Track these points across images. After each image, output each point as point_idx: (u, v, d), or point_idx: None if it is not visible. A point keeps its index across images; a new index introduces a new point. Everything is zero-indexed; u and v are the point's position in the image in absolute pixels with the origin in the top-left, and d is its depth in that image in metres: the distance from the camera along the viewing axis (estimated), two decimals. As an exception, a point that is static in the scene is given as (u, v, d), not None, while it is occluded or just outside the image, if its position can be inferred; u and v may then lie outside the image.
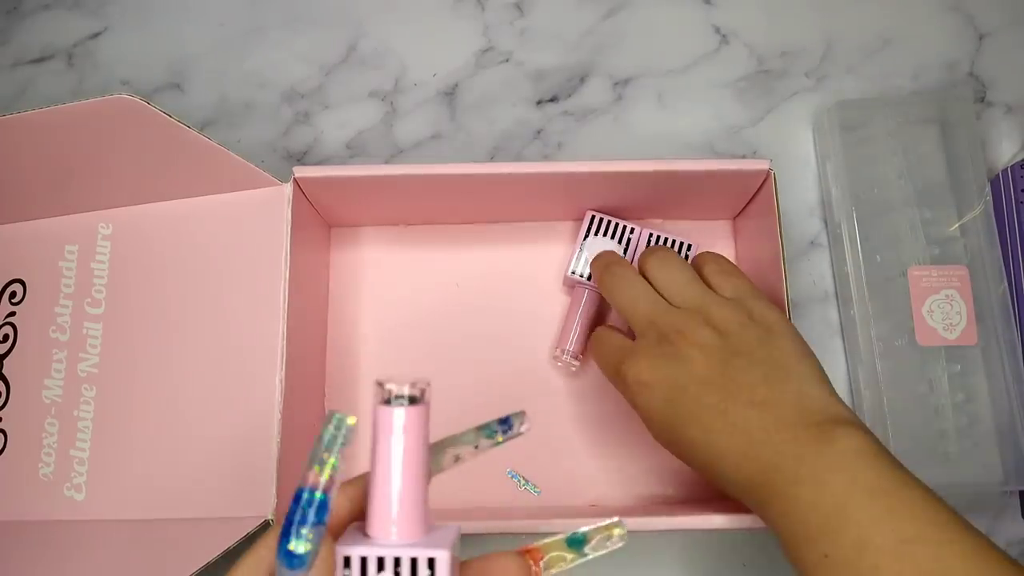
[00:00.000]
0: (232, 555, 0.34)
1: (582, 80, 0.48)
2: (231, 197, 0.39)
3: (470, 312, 0.43)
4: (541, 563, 0.23)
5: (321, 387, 0.42)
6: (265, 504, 0.35)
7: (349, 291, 0.43)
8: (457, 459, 0.24)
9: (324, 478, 0.20)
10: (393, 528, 0.21)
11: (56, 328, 0.40)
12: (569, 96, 0.48)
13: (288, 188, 0.38)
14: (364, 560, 0.21)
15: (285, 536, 0.20)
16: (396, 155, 0.47)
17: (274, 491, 0.35)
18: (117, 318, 0.40)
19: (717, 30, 0.49)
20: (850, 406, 0.42)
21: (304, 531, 0.20)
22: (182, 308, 0.39)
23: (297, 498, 0.20)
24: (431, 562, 0.21)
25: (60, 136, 0.38)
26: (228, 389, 0.37)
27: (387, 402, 0.21)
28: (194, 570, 0.33)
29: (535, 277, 0.43)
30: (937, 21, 0.48)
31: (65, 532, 0.37)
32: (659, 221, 0.44)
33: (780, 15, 0.49)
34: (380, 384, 0.21)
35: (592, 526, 0.24)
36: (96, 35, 0.50)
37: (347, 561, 0.21)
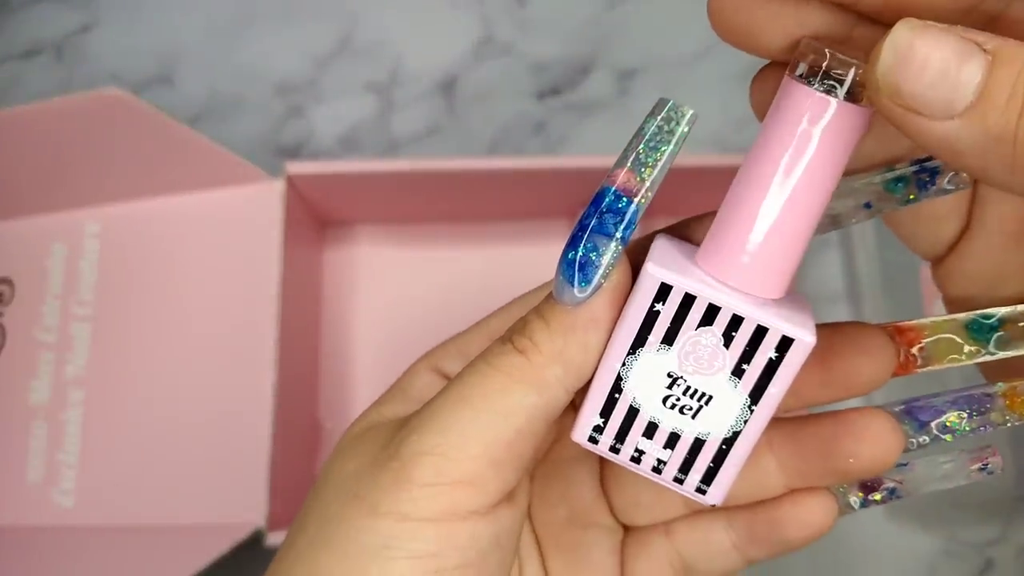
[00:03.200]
0: (222, 562, 0.33)
1: (585, 72, 0.47)
2: (222, 193, 0.39)
3: (469, 313, 0.42)
4: (918, 350, 0.16)
5: (315, 390, 0.41)
6: (256, 510, 0.34)
7: (343, 290, 0.43)
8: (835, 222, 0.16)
9: (643, 180, 0.15)
10: (751, 272, 0.14)
11: (43, 329, 0.40)
12: (572, 89, 0.47)
13: (280, 184, 0.38)
14: (689, 299, 0.14)
15: (572, 244, 0.15)
16: (392, 150, 0.46)
17: (266, 497, 0.34)
18: (105, 319, 0.39)
19: (724, 20, 0.48)
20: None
21: (599, 241, 0.15)
22: (172, 308, 0.39)
23: (598, 199, 0.15)
24: (785, 344, 0.14)
25: (47, 132, 0.38)
26: (219, 392, 0.37)
27: (814, 77, 0.13)
28: (183, 579, 0.32)
29: (535, 276, 0.42)
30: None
31: (54, 538, 0.37)
32: (664, 218, 0.43)
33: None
34: (814, 46, 0.14)
35: (1009, 308, 0.15)
36: (85, 29, 0.49)
37: (663, 292, 0.14)
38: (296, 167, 0.37)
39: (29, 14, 0.49)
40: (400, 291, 0.43)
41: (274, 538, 0.34)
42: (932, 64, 0.12)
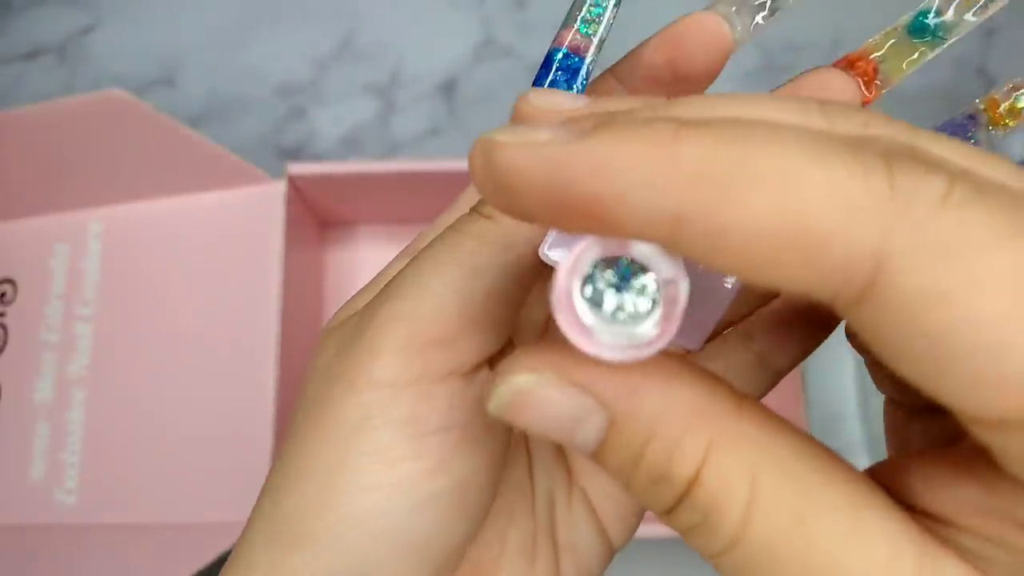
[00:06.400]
0: (224, 561, 0.33)
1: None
2: (223, 195, 0.39)
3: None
4: (872, 70, 0.15)
5: (316, 389, 0.41)
6: (258, 509, 0.34)
7: (344, 291, 0.43)
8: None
9: (589, 37, 0.15)
10: None
11: (46, 329, 0.40)
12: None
13: (282, 185, 0.38)
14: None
15: None
16: (393, 151, 0.46)
17: (267, 496, 0.34)
18: (108, 319, 0.39)
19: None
20: (858, 408, 0.41)
21: None
22: (174, 308, 0.39)
23: (548, 62, 0.15)
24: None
25: (50, 133, 0.38)
26: (221, 391, 0.37)
27: None
28: (187, 575, 0.32)
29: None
30: (947, 13, 0.48)
31: (56, 537, 0.37)
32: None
33: (788, 9, 0.48)
34: None
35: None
36: (88, 30, 0.49)
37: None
38: (297, 168, 0.37)
39: (32, 15, 0.49)
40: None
41: (275, 536, 0.34)
42: (548, 418, 0.11)
